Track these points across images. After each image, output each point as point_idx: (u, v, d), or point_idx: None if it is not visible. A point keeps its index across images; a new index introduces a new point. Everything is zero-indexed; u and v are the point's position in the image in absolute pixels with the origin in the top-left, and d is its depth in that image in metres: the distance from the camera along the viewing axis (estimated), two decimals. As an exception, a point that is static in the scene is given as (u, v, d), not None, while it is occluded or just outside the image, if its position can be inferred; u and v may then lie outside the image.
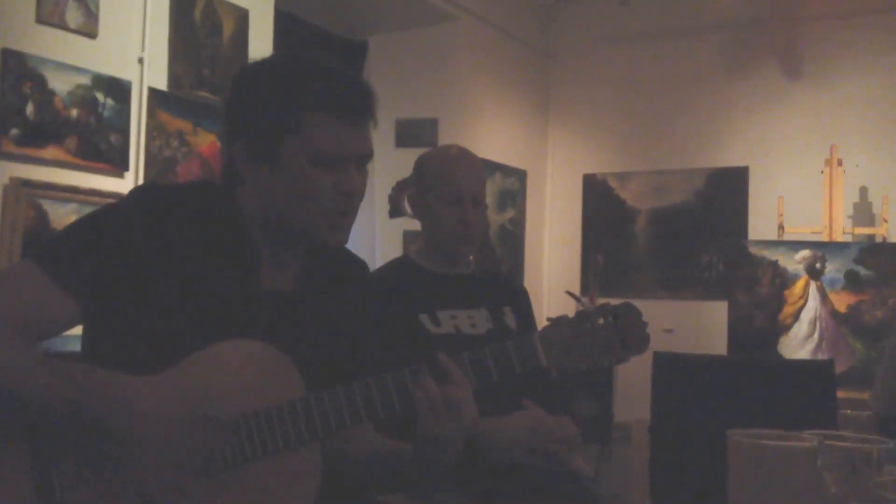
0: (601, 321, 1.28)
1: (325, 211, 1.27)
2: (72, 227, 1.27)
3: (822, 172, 4.92)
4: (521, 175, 6.00)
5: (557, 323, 1.29)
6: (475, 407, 1.24)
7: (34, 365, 1.16)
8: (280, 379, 1.22)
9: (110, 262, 1.21)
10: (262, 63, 1.32)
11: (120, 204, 1.30)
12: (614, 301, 1.35)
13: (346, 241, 1.35)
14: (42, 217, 3.10)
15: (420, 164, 2.07)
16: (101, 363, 1.22)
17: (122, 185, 3.37)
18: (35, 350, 1.19)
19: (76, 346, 1.32)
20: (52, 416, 1.13)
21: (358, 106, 1.27)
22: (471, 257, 2.16)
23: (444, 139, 5.10)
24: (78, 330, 1.30)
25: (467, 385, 1.23)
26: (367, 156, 1.31)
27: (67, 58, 3.22)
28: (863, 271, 4.41)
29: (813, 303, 4.46)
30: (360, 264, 1.50)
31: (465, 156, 2.05)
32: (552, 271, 6.30)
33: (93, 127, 3.30)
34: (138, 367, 1.19)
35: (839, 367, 4.06)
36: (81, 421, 1.14)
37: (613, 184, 6.12)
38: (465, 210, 1.98)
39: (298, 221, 1.28)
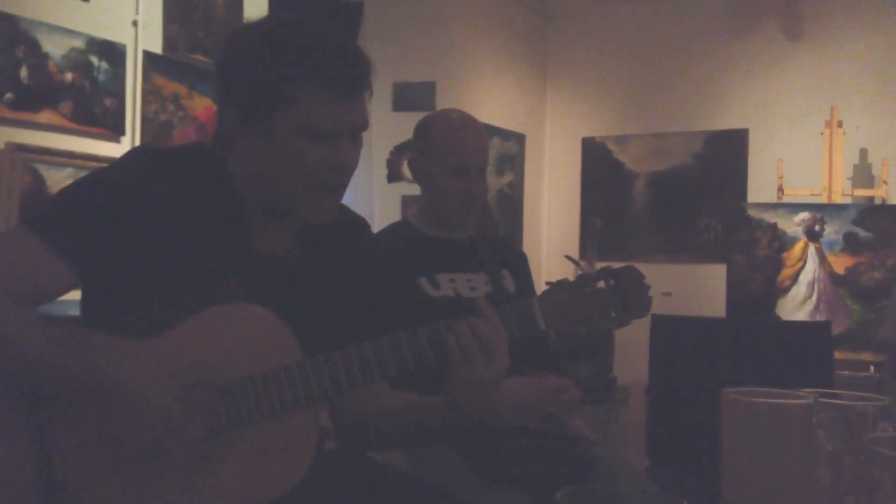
0: (602, 284, 1.27)
1: (314, 186, 1.26)
2: (66, 191, 1.26)
3: (822, 134, 4.90)
4: (519, 139, 5.97)
5: (557, 287, 1.28)
6: (507, 356, 1.23)
7: (28, 329, 1.16)
8: (276, 343, 1.22)
9: (105, 225, 1.20)
10: (256, 28, 1.28)
11: (114, 166, 1.29)
12: (613, 264, 1.33)
13: (331, 220, 1.33)
14: (39, 182, 3.09)
15: (423, 129, 2.03)
16: (99, 327, 1.22)
17: (119, 149, 3.34)
18: (29, 314, 1.19)
19: (76, 311, 1.33)
20: (47, 380, 1.13)
21: (353, 79, 1.24)
22: (470, 222, 2.16)
23: (441, 103, 5.06)
24: (77, 294, 1.30)
25: (503, 330, 1.23)
26: (362, 127, 1.29)
27: (60, 21, 3.18)
28: (862, 233, 4.41)
29: (811, 265, 4.46)
30: (360, 223, 1.49)
31: (470, 123, 2.01)
32: (551, 235, 6.30)
33: (87, 91, 3.27)
34: (135, 330, 1.19)
35: (837, 329, 4.08)
36: (76, 386, 1.14)
37: (612, 147, 6.09)
38: (469, 181, 1.96)
39: (286, 194, 1.27)
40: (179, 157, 1.31)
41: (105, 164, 1.36)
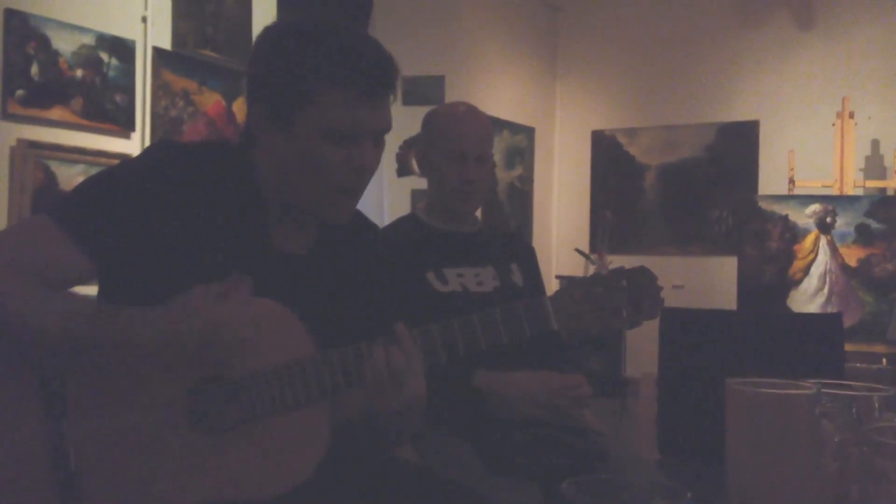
0: (615, 285, 1.26)
1: (333, 187, 1.27)
2: (88, 183, 1.27)
3: (833, 125, 4.87)
4: (529, 132, 5.96)
5: (570, 286, 1.28)
6: (422, 383, 1.22)
7: (52, 309, 1.17)
8: (289, 337, 1.23)
9: (125, 217, 1.22)
10: (285, 27, 1.30)
11: (136, 160, 1.30)
12: (623, 258, 1.34)
13: (346, 220, 1.34)
14: (50, 178, 3.11)
15: (427, 121, 2.06)
16: None
17: (129, 145, 3.36)
18: (53, 294, 1.20)
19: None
20: (65, 350, 1.15)
21: (375, 83, 1.24)
22: (478, 215, 2.16)
23: (450, 97, 5.06)
24: (91, 290, 1.31)
25: (416, 357, 1.22)
26: (385, 130, 1.30)
27: (70, 17, 3.20)
28: (874, 224, 4.38)
29: (823, 257, 4.44)
30: (373, 229, 1.51)
31: (471, 113, 2.03)
32: (561, 228, 6.29)
33: (98, 87, 3.29)
34: None
35: (849, 321, 4.06)
36: (94, 352, 1.15)
37: (622, 139, 6.07)
38: (467, 168, 1.97)
39: (304, 194, 1.28)
40: (202, 153, 1.32)
41: (116, 160, 1.38)
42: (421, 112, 2.13)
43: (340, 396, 1.25)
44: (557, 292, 1.28)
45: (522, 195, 5.92)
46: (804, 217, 4.50)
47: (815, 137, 5.23)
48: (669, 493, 0.70)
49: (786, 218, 4.52)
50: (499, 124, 5.48)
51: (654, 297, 1.27)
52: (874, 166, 5.22)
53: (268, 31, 1.31)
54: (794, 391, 0.78)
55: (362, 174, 1.28)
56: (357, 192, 1.31)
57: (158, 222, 1.22)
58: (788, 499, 0.74)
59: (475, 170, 1.98)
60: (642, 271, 1.27)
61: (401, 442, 1.39)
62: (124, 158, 3.17)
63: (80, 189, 1.27)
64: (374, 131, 1.27)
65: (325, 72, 1.22)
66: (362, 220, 1.48)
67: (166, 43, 3.55)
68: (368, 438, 1.32)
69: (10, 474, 1.14)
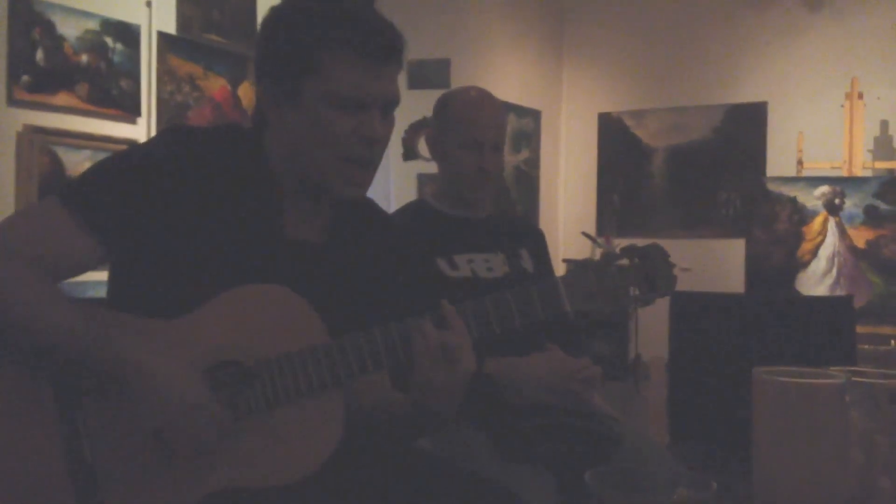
0: (626, 263, 1.26)
1: (344, 158, 1.26)
2: (100, 167, 1.26)
3: (842, 106, 4.83)
4: (535, 115, 5.93)
5: (582, 266, 1.27)
6: (473, 358, 1.23)
7: (57, 304, 1.16)
8: (302, 324, 1.22)
9: (136, 203, 1.21)
10: (288, 3, 1.31)
11: (150, 145, 1.30)
12: (631, 241, 1.33)
13: (362, 195, 1.34)
14: (57, 164, 3.10)
15: (441, 106, 2.04)
16: (126, 307, 1.22)
17: (135, 130, 3.35)
18: (57, 289, 1.19)
19: (101, 292, 1.33)
20: (73, 358, 1.14)
21: (379, 47, 1.24)
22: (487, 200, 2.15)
23: (456, 80, 5.03)
24: (101, 276, 1.30)
25: (466, 334, 1.22)
26: (392, 102, 1.29)
27: (75, 2, 3.18)
28: (882, 206, 4.36)
29: (831, 239, 4.42)
30: (385, 217, 1.50)
31: (487, 100, 2.02)
32: (568, 212, 6.27)
33: (103, 72, 3.27)
34: (162, 311, 1.19)
35: (858, 303, 4.04)
36: (102, 365, 1.14)
37: (629, 122, 6.04)
38: (483, 156, 1.95)
39: (316, 168, 1.27)
40: (215, 138, 1.31)
41: (122, 146, 1.37)
42: (427, 95, 2.11)
43: (361, 383, 1.25)
44: (569, 273, 1.27)
45: (529, 179, 5.90)
46: (812, 199, 4.47)
47: (824, 119, 5.19)
48: (693, 482, 0.69)
49: (794, 200, 4.49)
50: (505, 107, 5.44)
51: (667, 273, 1.27)
52: (883, 147, 5.18)
53: (272, 9, 1.32)
54: (822, 381, 0.77)
55: (372, 144, 1.27)
56: (368, 163, 1.29)
57: (171, 207, 1.21)
58: (816, 489, 0.73)
59: (491, 158, 1.96)
60: (654, 248, 1.28)
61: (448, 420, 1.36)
62: (132, 143, 3.16)
63: (91, 172, 1.26)
64: (380, 99, 1.26)
65: (330, 38, 1.22)
66: (375, 210, 1.48)
67: (171, 27, 3.53)
68: (416, 421, 1.32)
69: (25, 467, 1.14)
